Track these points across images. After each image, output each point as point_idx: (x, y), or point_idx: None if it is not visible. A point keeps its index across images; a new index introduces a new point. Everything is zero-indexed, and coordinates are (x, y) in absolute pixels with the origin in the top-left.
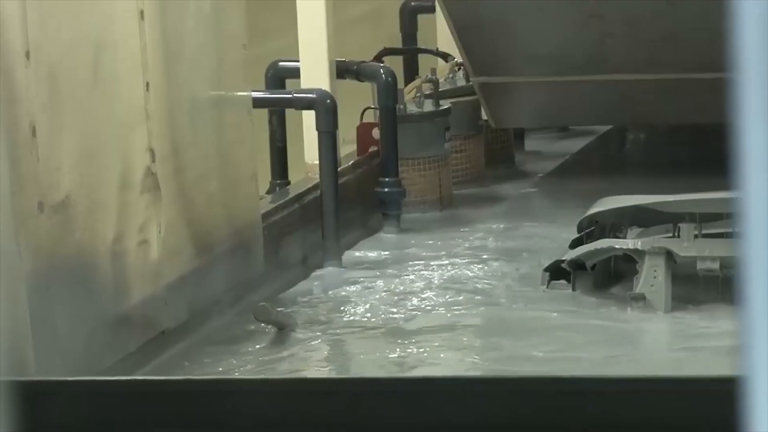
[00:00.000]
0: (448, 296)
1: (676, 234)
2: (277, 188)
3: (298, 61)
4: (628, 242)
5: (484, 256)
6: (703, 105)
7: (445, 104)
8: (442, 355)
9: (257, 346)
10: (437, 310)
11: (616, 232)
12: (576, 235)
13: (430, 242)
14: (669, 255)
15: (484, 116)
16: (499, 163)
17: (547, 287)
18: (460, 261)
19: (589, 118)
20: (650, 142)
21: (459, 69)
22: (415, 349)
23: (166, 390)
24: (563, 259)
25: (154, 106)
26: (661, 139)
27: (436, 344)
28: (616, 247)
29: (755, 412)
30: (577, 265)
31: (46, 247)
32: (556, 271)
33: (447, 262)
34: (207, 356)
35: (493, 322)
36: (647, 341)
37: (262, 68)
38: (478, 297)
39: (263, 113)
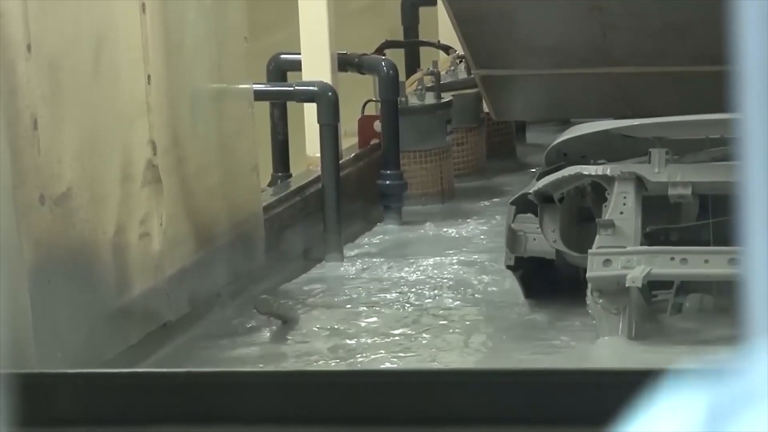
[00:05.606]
0: (447, 288)
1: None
2: (279, 181)
3: (299, 53)
4: (597, 168)
5: (483, 251)
6: (705, 97)
7: (447, 97)
8: (445, 344)
9: (259, 339)
10: (438, 303)
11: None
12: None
13: (431, 234)
14: (639, 181)
15: (486, 109)
16: (500, 156)
17: (513, 221)
18: (460, 253)
19: (590, 111)
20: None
21: (460, 62)
22: (416, 344)
23: (168, 383)
24: (530, 192)
25: (156, 98)
26: None
27: (438, 337)
28: (584, 173)
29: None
30: (545, 197)
31: (47, 240)
32: (524, 204)
33: (447, 254)
34: (208, 349)
35: (487, 317)
36: None
37: (263, 61)
38: (477, 288)
39: (265, 106)
